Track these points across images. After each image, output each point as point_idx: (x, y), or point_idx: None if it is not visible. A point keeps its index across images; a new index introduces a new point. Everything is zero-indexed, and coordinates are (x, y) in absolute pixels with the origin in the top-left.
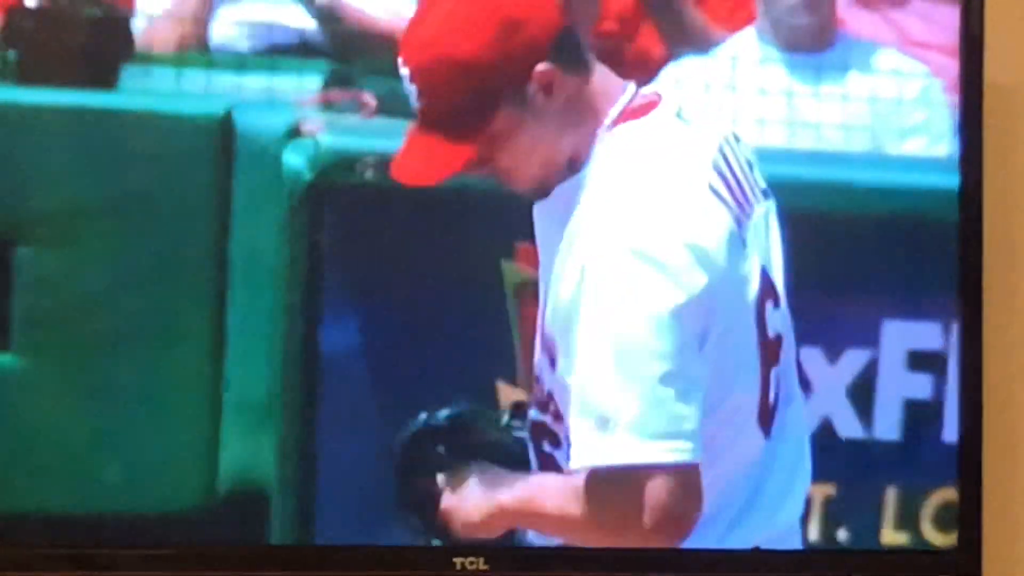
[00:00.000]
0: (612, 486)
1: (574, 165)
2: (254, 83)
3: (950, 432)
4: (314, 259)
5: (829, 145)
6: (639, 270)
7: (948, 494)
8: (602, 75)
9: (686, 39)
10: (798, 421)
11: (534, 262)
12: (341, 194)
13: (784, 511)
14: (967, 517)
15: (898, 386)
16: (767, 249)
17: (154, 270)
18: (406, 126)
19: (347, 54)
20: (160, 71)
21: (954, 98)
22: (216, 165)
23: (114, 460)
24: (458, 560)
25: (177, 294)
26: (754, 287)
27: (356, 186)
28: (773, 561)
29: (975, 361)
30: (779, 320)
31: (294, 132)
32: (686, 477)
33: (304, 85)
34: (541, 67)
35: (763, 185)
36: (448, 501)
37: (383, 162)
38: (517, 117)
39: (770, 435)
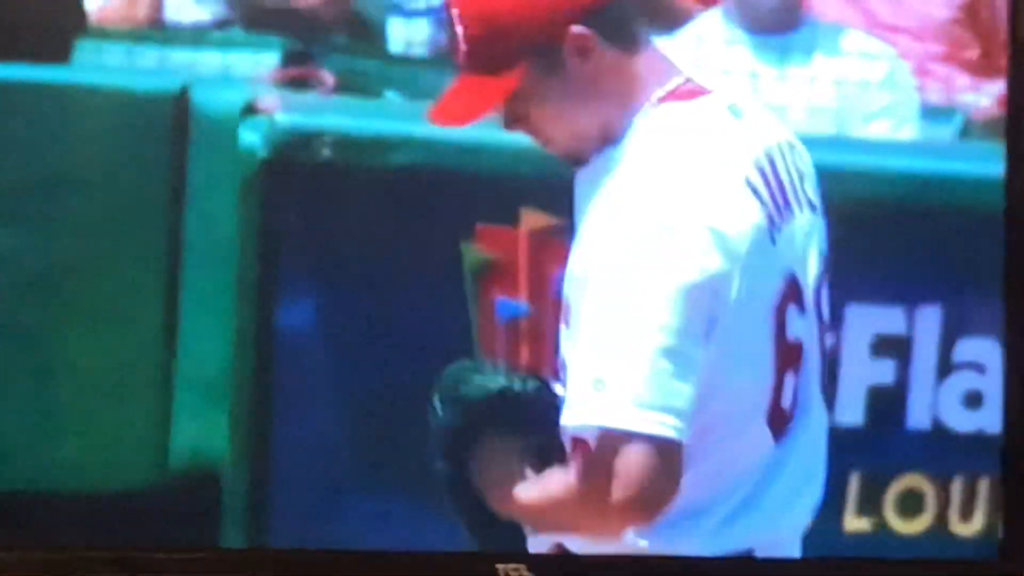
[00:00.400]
0: (596, 452)
1: (608, 137)
2: (210, 60)
3: (915, 419)
4: (269, 238)
5: (794, 127)
6: (656, 243)
7: (912, 481)
8: (652, 55)
9: (654, 18)
10: (816, 433)
11: (494, 243)
12: (298, 172)
13: (787, 518)
14: (1013, 510)
15: (861, 372)
16: (803, 260)
17: (106, 247)
18: (365, 104)
19: (305, 31)
20: (114, 46)
21: (922, 80)
22: (170, 142)
23: (65, 438)
24: (501, 567)
25: (130, 272)
26: (777, 287)
27: (313, 164)
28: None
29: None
30: (802, 327)
31: (250, 109)
32: (667, 454)
33: (261, 62)
34: (576, 29)
35: (814, 200)
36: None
37: (341, 141)
38: (550, 75)
39: (781, 440)
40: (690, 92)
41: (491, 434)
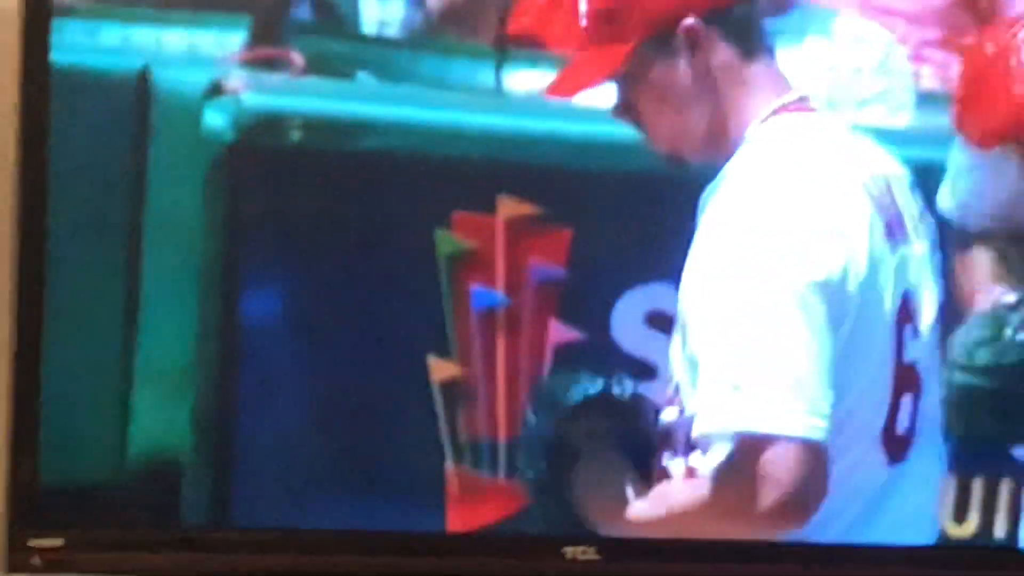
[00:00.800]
0: (737, 458)
1: (716, 141)
2: (174, 38)
3: None
4: (235, 224)
5: None
6: (781, 242)
7: None
8: (770, 66)
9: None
10: (932, 465)
11: (471, 231)
12: (265, 156)
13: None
14: None
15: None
16: (919, 285)
17: (64, 232)
18: (337, 86)
19: (274, 9)
20: (74, 24)
21: (917, 66)
22: (132, 124)
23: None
24: (568, 549)
25: (88, 258)
26: (895, 302)
27: (281, 148)
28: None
29: None
30: (919, 350)
31: (215, 90)
32: (815, 456)
33: (227, 41)
34: (689, 20)
35: (927, 236)
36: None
37: (311, 124)
38: (660, 62)
39: (896, 464)
40: (806, 108)
41: (590, 442)
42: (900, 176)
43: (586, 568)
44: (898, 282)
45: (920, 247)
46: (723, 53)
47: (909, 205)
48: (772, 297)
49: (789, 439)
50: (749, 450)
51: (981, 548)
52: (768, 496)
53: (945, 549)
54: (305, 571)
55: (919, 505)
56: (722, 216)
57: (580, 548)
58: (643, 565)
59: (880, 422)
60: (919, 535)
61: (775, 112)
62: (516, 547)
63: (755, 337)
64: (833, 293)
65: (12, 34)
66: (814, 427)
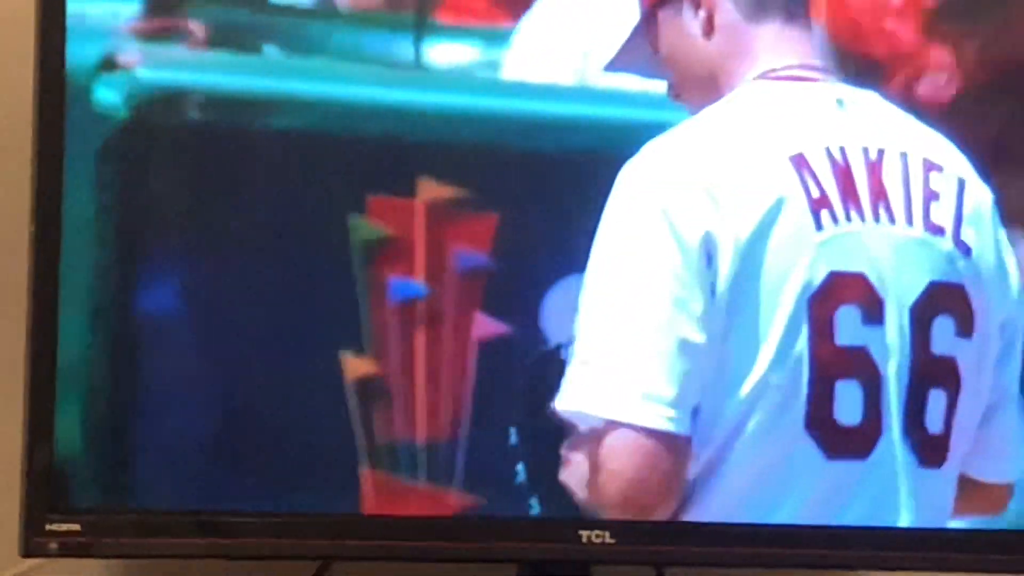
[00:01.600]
0: (585, 441)
1: (707, 100)
2: None
3: None
4: (131, 210)
5: None
6: (648, 202)
7: None
8: (776, 31)
9: None
10: (889, 465)
11: (388, 216)
12: (162, 136)
13: None
14: None
15: None
16: (881, 269)
17: None
18: (241, 60)
19: None
20: None
21: None
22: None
23: None
24: (584, 533)
25: None
26: (815, 279)
27: (180, 127)
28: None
29: None
30: (871, 338)
31: (107, 64)
32: (663, 445)
33: (119, 11)
34: None
35: (943, 225)
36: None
37: (212, 100)
38: (673, 21)
39: (846, 458)
40: (796, 77)
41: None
42: (918, 156)
43: (601, 551)
44: (820, 261)
45: (903, 231)
46: (728, 13)
47: (914, 186)
48: (623, 266)
49: (626, 426)
50: (593, 434)
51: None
52: (608, 486)
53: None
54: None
55: (884, 505)
56: (622, 177)
57: (595, 532)
58: (658, 548)
59: (799, 409)
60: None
61: (763, 76)
62: (533, 529)
63: (604, 311)
64: (686, 268)
65: None
66: (653, 415)
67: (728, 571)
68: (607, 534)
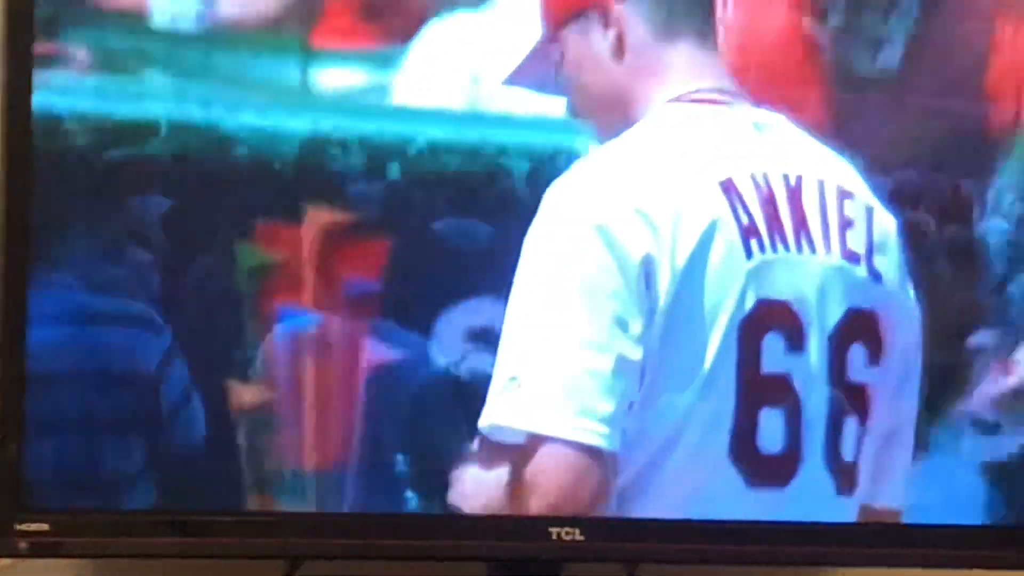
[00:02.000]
0: (512, 457)
1: (616, 120)
2: None
3: None
4: (12, 240)
5: None
6: (583, 222)
7: None
8: (688, 53)
9: None
10: (810, 497)
11: (276, 243)
12: (43, 163)
13: None
14: None
15: None
16: (805, 299)
17: None
18: (124, 84)
19: None
20: None
21: None
22: None
23: None
24: (554, 530)
25: None
26: (744, 305)
27: (61, 153)
28: None
29: None
30: (794, 366)
31: None
32: (592, 462)
33: None
34: None
35: (857, 251)
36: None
37: (95, 126)
38: (581, 42)
39: (764, 487)
40: (710, 100)
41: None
42: (833, 184)
43: (572, 548)
44: (750, 288)
45: (824, 259)
46: (639, 33)
47: (831, 214)
48: (559, 284)
49: (559, 442)
50: (520, 449)
51: None
52: (537, 503)
53: None
54: None
55: None
56: (551, 197)
57: (565, 529)
58: (628, 546)
59: (724, 436)
60: None
61: (677, 99)
62: (503, 526)
63: (540, 328)
64: (633, 280)
65: None
66: (586, 430)
67: (699, 568)
68: (577, 531)
